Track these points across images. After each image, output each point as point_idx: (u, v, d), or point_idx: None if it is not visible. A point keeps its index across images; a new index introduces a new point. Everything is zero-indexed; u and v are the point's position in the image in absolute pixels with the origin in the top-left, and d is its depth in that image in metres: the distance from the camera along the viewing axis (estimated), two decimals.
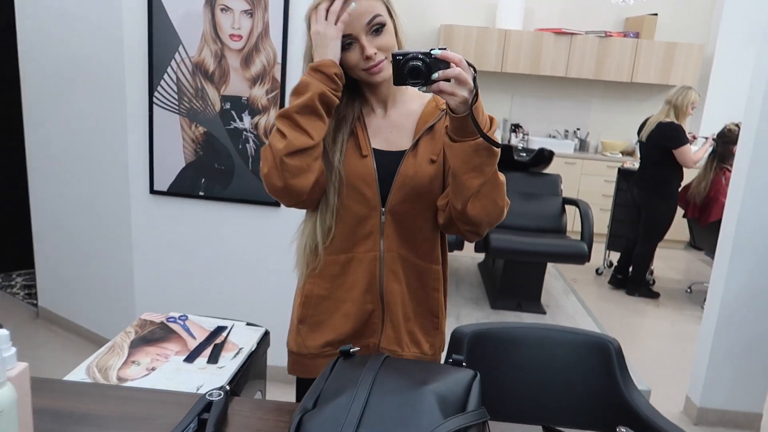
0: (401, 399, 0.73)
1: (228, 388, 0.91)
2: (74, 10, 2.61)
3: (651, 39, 5.48)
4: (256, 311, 2.53)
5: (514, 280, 3.46)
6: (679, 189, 4.07)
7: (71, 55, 2.69)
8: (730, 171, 3.99)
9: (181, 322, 1.41)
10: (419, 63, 0.97)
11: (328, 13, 1.09)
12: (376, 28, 1.10)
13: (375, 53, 1.09)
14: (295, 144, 1.08)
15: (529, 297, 3.48)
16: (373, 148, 1.18)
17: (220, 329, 1.40)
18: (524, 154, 3.97)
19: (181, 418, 0.83)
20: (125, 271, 2.70)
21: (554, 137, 5.95)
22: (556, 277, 4.15)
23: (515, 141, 5.82)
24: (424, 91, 1.00)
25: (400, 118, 1.21)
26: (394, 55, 0.99)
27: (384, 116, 1.21)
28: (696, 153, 3.91)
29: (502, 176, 1.08)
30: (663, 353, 3.46)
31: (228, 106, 2.45)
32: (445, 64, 0.96)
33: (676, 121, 3.86)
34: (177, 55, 2.42)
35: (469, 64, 0.97)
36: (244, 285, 2.62)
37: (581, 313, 3.52)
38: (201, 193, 2.54)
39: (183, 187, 2.55)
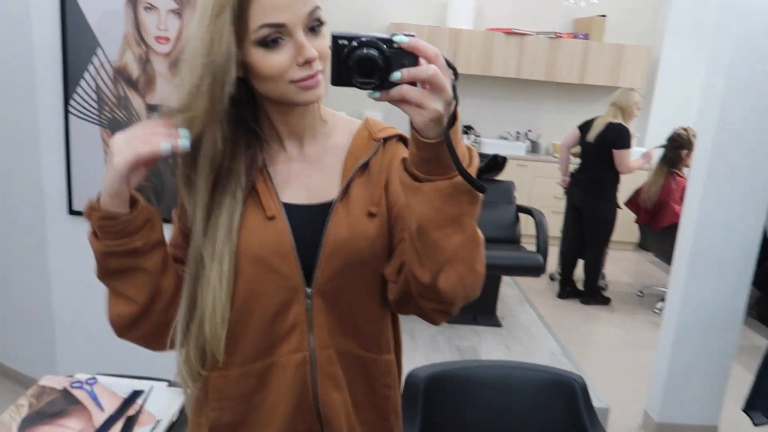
0: None
1: None
2: None
3: (600, 40, 5.48)
4: None
5: None
6: (617, 192, 4.03)
7: None
8: (680, 176, 3.99)
9: (89, 388, 1.19)
10: (374, 52, 0.64)
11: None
12: (315, 26, 0.76)
13: (315, 58, 0.75)
14: (123, 317, 0.83)
15: (485, 310, 3.37)
16: (285, 203, 0.85)
17: (135, 395, 1.18)
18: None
19: None
20: (43, 300, 2.41)
21: (506, 139, 5.88)
22: (510, 286, 4.06)
23: (466, 143, 5.71)
24: (376, 98, 0.66)
25: (321, 156, 0.88)
26: (335, 38, 0.65)
27: (299, 155, 0.87)
28: (635, 163, 3.90)
29: (479, 232, 0.75)
30: (619, 363, 3.42)
31: (155, 115, 2.21)
32: (412, 58, 0.64)
33: (624, 123, 3.85)
34: (95, 59, 2.16)
35: (449, 64, 0.65)
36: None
37: (537, 325, 3.43)
38: None
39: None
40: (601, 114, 4.03)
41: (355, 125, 0.91)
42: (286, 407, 0.86)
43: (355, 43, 0.64)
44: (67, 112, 2.20)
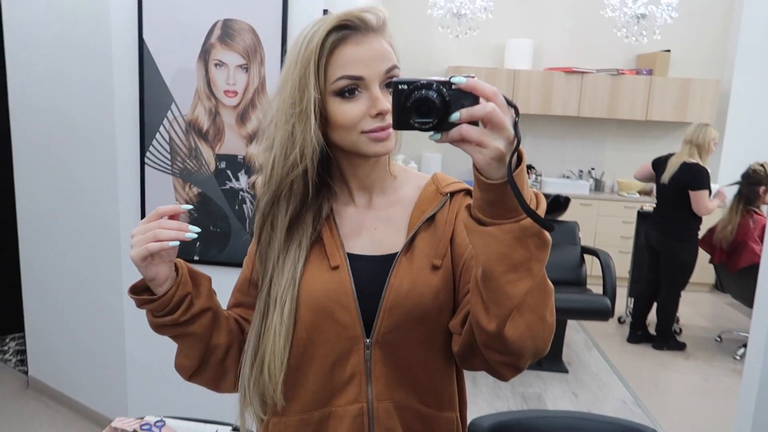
0: None
1: None
2: (65, 69, 2.51)
3: (665, 76, 5.35)
4: None
5: None
6: (699, 233, 3.85)
7: (62, 115, 2.58)
8: (757, 213, 3.78)
9: (156, 430, 1.23)
10: (433, 94, 0.64)
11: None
12: (391, 83, 0.76)
13: (388, 108, 0.77)
14: (183, 373, 0.91)
15: (550, 355, 3.26)
16: (350, 254, 0.86)
17: None
18: None
19: None
20: (116, 340, 2.53)
21: (568, 177, 5.78)
22: (576, 330, 3.92)
23: (528, 183, 5.65)
24: (437, 140, 0.65)
25: (389, 210, 0.89)
26: (395, 83, 0.66)
27: (367, 207, 0.89)
28: (713, 204, 3.71)
29: (549, 282, 0.72)
30: (697, 414, 3.20)
31: (223, 165, 2.32)
32: (471, 99, 0.64)
33: (700, 162, 3.68)
34: (169, 114, 2.30)
35: (509, 102, 0.64)
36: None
37: (606, 371, 3.29)
38: (196, 258, 2.39)
39: (177, 252, 2.39)
40: (675, 151, 3.89)
41: (423, 180, 0.92)
42: None
43: (415, 85, 0.65)
44: (143, 163, 2.34)
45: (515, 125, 0.64)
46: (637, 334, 4.07)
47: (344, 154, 0.86)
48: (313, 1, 2.22)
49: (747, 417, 2.46)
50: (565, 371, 3.22)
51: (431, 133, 0.65)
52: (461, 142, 0.64)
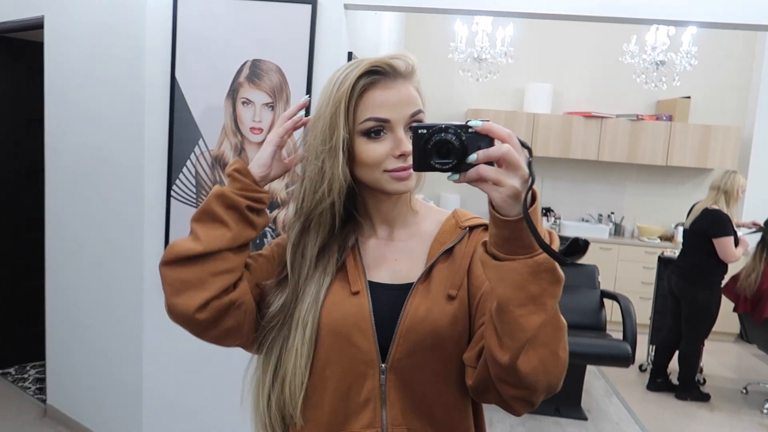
0: None
1: None
2: (99, 107, 2.60)
3: (685, 122, 5.36)
4: None
5: None
6: (723, 280, 3.78)
7: (94, 150, 2.66)
8: None
9: None
10: (451, 137, 0.68)
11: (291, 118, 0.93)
12: (414, 123, 0.81)
13: (410, 150, 0.79)
14: (176, 250, 0.86)
15: (569, 401, 3.19)
16: (370, 281, 0.90)
17: None
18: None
19: None
20: (135, 372, 2.54)
21: (587, 221, 5.75)
22: (596, 376, 3.84)
23: (546, 226, 5.64)
24: (455, 181, 0.69)
25: (409, 242, 0.94)
26: (415, 128, 0.71)
27: (388, 239, 0.94)
28: (739, 251, 3.64)
29: (562, 317, 0.75)
30: None
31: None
32: (487, 141, 0.68)
33: (725, 209, 3.65)
34: (197, 149, 2.37)
35: (523, 144, 0.69)
36: None
37: (626, 420, 3.20)
38: None
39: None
40: (694, 197, 3.87)
41: (443, 215, 0.97)
42: None
43: (434, 129, 0.70)
44: (169, 196, 2.40)
45: (529, 165, 0.68)
46: (657, 382, 3.97)
47: (368, 189, 0.91)
48: (338, 44, 2.30)
49: None
50: (584, 419, 3.14)
51: (450, 173, 0.70)
52: (478, 181, 0.68)
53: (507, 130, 0.68)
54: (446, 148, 0.69)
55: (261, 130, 2.33)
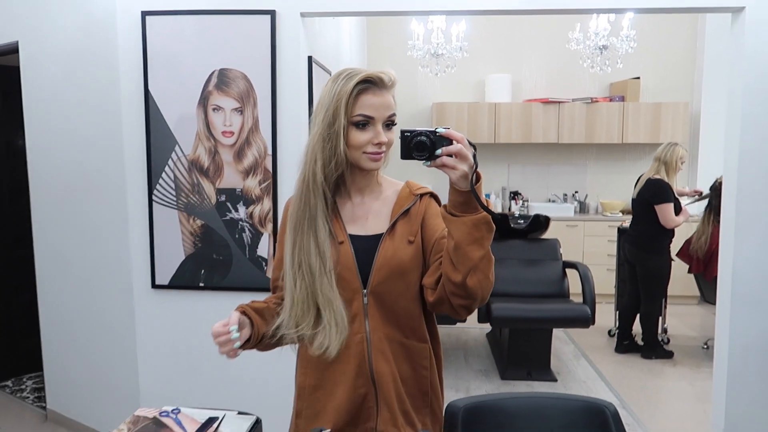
0: None
1: None
2: (78, 125, 2.77)
3: (636, 101, 5.66)
4: (257, 399, 2.53)
5: (522, 349, 3.43)
6: (671, 244, 4.06)
7: (76, 166, 2.82)
8: None
9: (174, 416, 1.43)
10: (425, 139, 1.06)
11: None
12: (389, 124, 1.22)
13: (385, 140, 1.19)
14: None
15: (539, 365, 3.43)
16: (350, 234, 1.25)
17: (211, 420, 1.41)
18: (521, 221, 4.03)
19: None
20: (130, 367, 2.72)
21: (554, 201, 6.03)
22: (565, 342, 4.10)
23: (515, 208, 5.90)
24: (428, 166, 1.07)
25: (376, 205, 1.29)
26: (402, 132, 1.09)
27: (360, 203, 1.28)
28: (678, 218, 3.92)
29: (492, 255, 1.13)
30: (684, 416, 3.36)
31: (223, 198, 2.56)
32: (448, 141, 1.05)
33: (665, 178, 3.92)
34: (173, 155, 2.56)
35: (471, 143, 1.06)
36: (244, 373, 2.63)
37: (593, 378, 3.46)
38: (201, 284, 2.61)
39: (183, 280, 2.62)
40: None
41: (399, 185, 1.33)
42: (350, 374, 1.23)
43: (414, 133, 1.07)
44: (150, 200, 2.59)
45: (474, 156, 1.05)
46: (624, 345, 4.24)
47: (350, 165, 1.23)
48: (297, 50, 2.51)
49: (719, 415, 2.63)
50: (554, 380, 3.38)
51: (424, 162, 1.07)
52: (442, 167, 1.05)
53: (460, 134, 1.05)
54: (422, 146, 1.06)
55: (232, 133, 2.53)
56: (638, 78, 5.69)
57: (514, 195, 5.99)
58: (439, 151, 1.05)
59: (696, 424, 3.21)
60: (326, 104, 1.19)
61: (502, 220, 3.88)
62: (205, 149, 2.54)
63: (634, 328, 4.31)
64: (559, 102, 5.62)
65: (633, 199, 4.11)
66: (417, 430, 1.27)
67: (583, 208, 5.97)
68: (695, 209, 4.78)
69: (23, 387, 3.65)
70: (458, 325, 4.30)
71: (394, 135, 1.20)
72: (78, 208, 2.86)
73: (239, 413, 1.47)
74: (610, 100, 5.65)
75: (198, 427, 1.38)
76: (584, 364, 3.69)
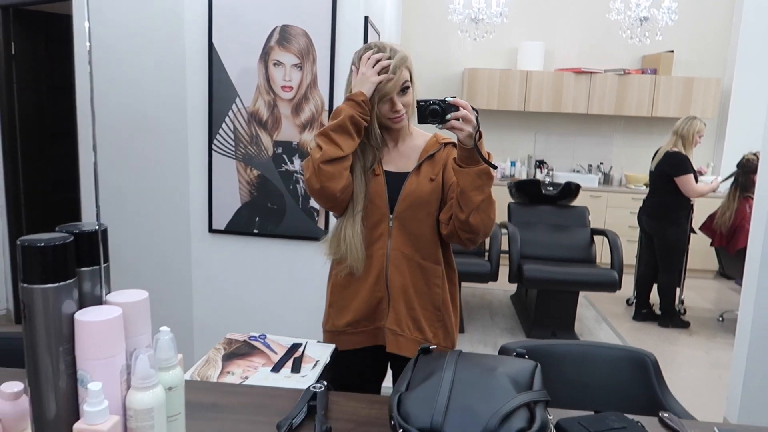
0: (481, 378, 0.90)
1: (326, 383, 1.08)
2: (142, 72, 2.88)
3: (668, 75, 5.68)
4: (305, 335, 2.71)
5: (548, 310, 3.58)
6: (688, 216, 4.16)
7: (138, 112, 2.94)
8: (753, 199, 4.10)
9: (261, 340, 1.60)
10: (437, 107, 1.32)
11: (377, 62, 1.45)
12: (404, 89, 1.48)
13: (401, 108, 1.47)
14: (329, 154, 1.43)
15: (563, 326, 3.59)
16: (385, 170, 1.54)
17: (295, 346, 1.57)
18: (551, 188, 4.14)
19: (289, 407, 1.01)
20: (185, 305, 2.90)
21: (578, 172, 6.11)
22: (587, 307, 4.25)
23: (540, 176, 5.99)
24: (439, 128, 1.33)
25: (407, 150, 1.58)
26: (418, 102, 1.35)
27: (395, 148, 1.58)
28: (702, 187, 4.00)
29: (493, 196, 1.43)
30: (698, 381, 3.52)
31: (280, 150, 2.69)
32: (455, 108, 1.31)
33: (683, 151, 3.99)
34: (234, 106, 2.68)
35: (474, 109, 1.32)
36: (294, 311, 2.80)
37: (614, 341, 3.61)
38: (255, 231, 2.76)
39: (239, 226, 2.77)
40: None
41: (428, 136, 1.61)
42: (371, 281, 1.54)
43: (428, 103, 1.34)
44: (210, 149, 2.72)
45: (477, 119, 1.31)
46: (642, 313, 4.39)
47: (383, 126, 1.54)
48: (356, 11, 2.59)
49: (738, 382, 2.78)
50: (578, 341, 3.55)
51: (437, 125, 1.34)
52: (451, 128, 1.32)
53: (465, 102, 1.31)
54: (435, 113, 1.32)
55: (291, 88, 2.63)
56: (672, 51, 5.69)
57: (540, 164, 6.07)
58: (448, 116, 1.30)
59: (711, 389, 3.37)
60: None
61: (531, 183, 4.01)
62: (265, 102, 2.66)
63: (651, 297, 4.46)
64: (591, 72, 5.65)
65: (651, 172, 4.19)
66: (425, 336, 1.55)
67: (607, 179, 6.05)
68: (723, 187, 4.85)
69: None
70: (483, 286, 4.46)
71: (411, 96, 1.48)
72: (137, 151, 3.00)
73: (318, 342, 1.63)
74: (642, 73, 5.66)
75: (286, 351, 1.54)
76: (605, 328, 3.85)
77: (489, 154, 1.37)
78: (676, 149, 4.02)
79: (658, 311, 4.40)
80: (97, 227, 0.78)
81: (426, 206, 1.50)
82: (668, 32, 5.45)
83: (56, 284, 0.73)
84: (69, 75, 3.20)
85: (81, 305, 0.77)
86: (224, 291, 2.84)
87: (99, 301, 0.81)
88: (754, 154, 4.03)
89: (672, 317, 4.31)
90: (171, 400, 0.80)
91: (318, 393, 1.04)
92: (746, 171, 4.06)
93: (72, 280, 0.75)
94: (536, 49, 5.76)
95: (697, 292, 5.26)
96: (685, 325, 4.33)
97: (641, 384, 1.77)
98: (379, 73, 1.44)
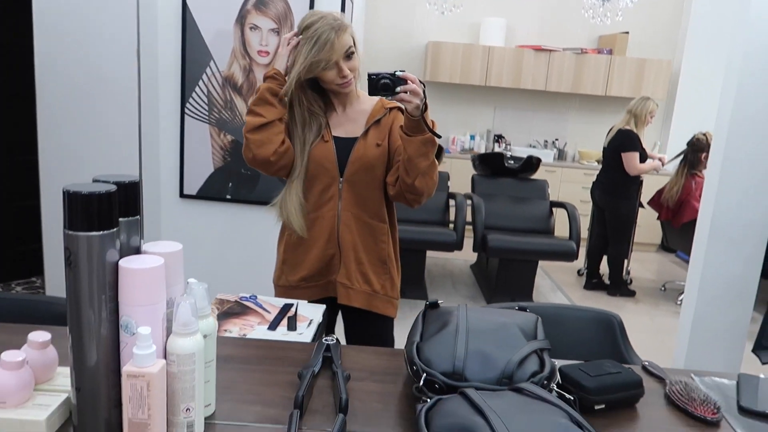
0: (494, 327, 0.97)
1: (336, 338, 1.13)
2: (109, 32, 2.78)
3: (623, 56, 5.88)
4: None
5: (509, 278, 3.73)
6: (638, 191, 4.37)
7: (108, 75, 2.83)
8: (699, 176, 4.35)
9: (253, 301, 1.62)
10: (388, 80, 1.40)
11: (287, 42, 1.56)
12: (349, 55, 1.54)
13: (348, 73, 1.54)
14: (253, 123, 1.54)
15: (523, 293, 3.75)
16: (334, 136, 1.62)
17: (287, 306, 1.61)
18: (512, 161, 4.26)
19: (303, 359, 1.05)
20: None
21: (534, 147, 6.29)
22: (543, 276, 4.44)
23: (499, 150, 6.13)
24: (389, 99, 1.45)
25: (355, 114, 1.65)
26: (369, 75, 1.42)
27: (343, 113, 1.65)
28: (643, 165, 4.19)
29: (437, 163, 1.55)
30: (644, 345, 3.76)
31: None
32: (404, 81, 1.40)
33: (634, 130, 4.19)
34: (208, 70, 2.63)
35: (421, 82, 1.42)
36: (268, 277, 2.81)
37: None
38: (228, 197, 2.74)
39: (211, 191, 2.75)
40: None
41: (374, 101, 1.68)
42: (323, 239, 1.65)
43: (379, 76, 1.41)
44: (183, 113, 2.67)
45: (424, 92, 1.40)
46: (592, 282, 4.63)
47: (331, 90, 1.62)
48: None
49: (683, 347, 2.99)
50: (552, 303, 3.72)
51: (388, 97, 1.41)
52: (401, 100, 1.41)
53: (413, 76, 1.40)
54: (386, 86, 1.40)
55: (267, 53, 2.61)
56: (627, 33, 5.88)
57: (498, 138, 6.21)
58: (398, 89, 1.38)
59: (656, 353, 3.61)
60: (304, 54, 1.53)
61: (494, 156, 4.12)
62: (240, 67, 2.62)
63: (601, 268, 4.69)
64: (551, 50, 5.78)
65: (604, 148, 4.38)
66: (373, 288, 1.69)
67: (561, 155, 6.26)
68: (671, 167, 5.11)
69: (13, 294, 3.73)
70: (445, 256, 4.58)
71: (356, 62, 1.55)
72: (104, 115, 2.90)
73: (309, 302, 1.67)
74: (599, 53, 5.84)
75: (278, 310, 1.58)
76: (560, 296, 4.04)
77: (433, 123, 1.47)
78: (628, 127, 4.21)
79: (607, 281, 4.64)
80: (138, 179, 0.80)
81: (373, 170, 1.60)
82: (625, 14, 5.63)
83: (101, 232, 0.75)
84: (27, 31, 3.05)
85: (121, 255, 0.79)
86: (196, 257, 2.83)
87: (136, 251, 0.83)
88: (704, 134, 4.26)
89: (620, 287, 4.56)
90: (207, 346, 0.83)
91: (331, 345, 1.08)
92: (695, 150, 4.29)
93: (115, 230, 0.77)
94: (498, 24, 5.84)
95: (641, 264, 5.56)
96: (632, 294, 4.59)
97: (608, 342, 1.90)
98: (301, 46, 1.52)
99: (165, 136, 2.71)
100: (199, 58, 2.62)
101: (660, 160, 4.44)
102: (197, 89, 2.65)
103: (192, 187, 2.75)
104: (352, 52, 1.54)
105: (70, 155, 3.09)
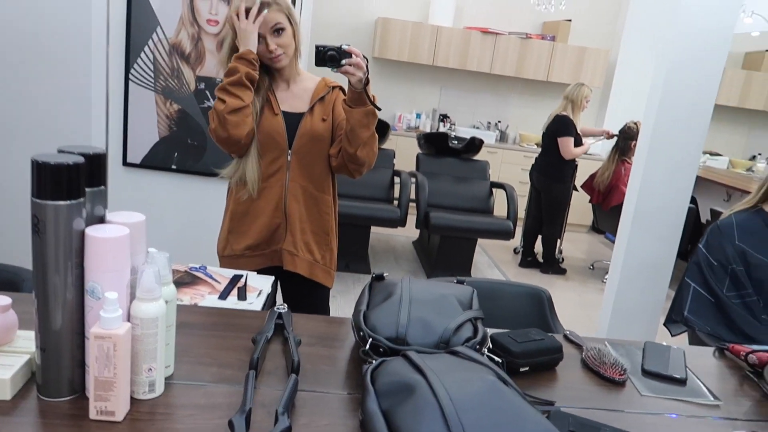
0: (434, 297, 1.07)
1: (287, 306, 1.20)
2: None
3: (565, 43, 6.09)
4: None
5: (449, 255, 3.87)
6: (574, 175, 4.63)
7: (48, 37, 2.74)
8: (629, 163, 4.62)
9: (203, 271, 1.66)
10: (334, 53, 1.48)
11: (248, 14, 1.56)
12: (277, 31, 1.61)
13: (275, 48, 1.61)
14: (233, 105, 1.60)
15: (462, 269, 3.91)
16: (282, 111, 1.71)
17: (237, 276, 1.66)
18: (456, 142, 4.39)
19: (256, 326, 1.12)
20: None
21: (478, 128, 6.45)
22: (481, 254, 4.62)
23: (443, 130, 6.26)
24: (334, 71, 1.49)
25: (299, 92, 1.75)
26: (317, 47, 1.49)
27: (287, 90, 1.74)
28: (575, 150, 4.42)
29: (376, 134, 1.67)
30: (572, 319, 4.01)
31: (202, 86, 2.65)
32: (349, 55, 1.47)
33: (571, 115, 4.40)
34: (155, 36, 2.58)
35: (365, 57, 1.51)
36: (212, 247, 2.83)
37: None
38: (173, 167, 2.72)
39: (156, 161, 2.72)
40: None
41: (317, 79, 1.79)
42: (270, 209, 1.73)
43: (326, 48, 1.48)
44: (127, 79, 2.62)
45: (367, 66, 1.49)
46: (527, 260, 4.86)
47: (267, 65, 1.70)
48: None
49: (605, 320, 3.23)
50: (487, 278, 3.89)
51: (333, 69, 1.48)
52: (345, 73, 1.49)
53: (358, 50, 1.48)
54: (332, 58, 1.47)
55: (217, 22, 2.58)
56: (570, 20, 6.09)
57: (443, 117, 6.33)
58: (343, 62, 1.46)
59: (581, 326, 3.87)
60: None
61: (438, 136, 4.23)
62: (188, 35, 2.59)
63: (536, 247, 4.93)
64: (497, 33, 5.92)
65: (543, 133, 4.58)
66: (315, 257, 1.79)
67: (503, 137, 6.46)
68: (598, 148, 5.38)
69: None
70: (388, 232, 4.68)
71: (287, 39, 1.61)
72: (43, 78, 2.80)
73: (257, 273, 1.72)
74: (542, 38, 6.03)
75: (228, 281, 1.62)
76: (497, 273, 4.23)
77: (374, 96, 1.57)
78: (564, 113, 4.40)
79: (540, 259, 4.88)
80: (105, 152, 0.83)
81: (320, 142, 1.70)
82: (569, 2, 5.82)
83: (68, 202, 0.78)
84: None
85: (87, 223, 0.82)
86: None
87: (100, 221, 0.87)
88: (635, 123, 4.51)
89: (552, 265, 4.81)
90: (167, 311, 0.88)
91: (283, 313, 1.15)
92: (626, 137, 4.54)
93: (82, 199, 0.80)
94: (447, 4, 5.91)
95: (572, 244, 5.87)
96: (563, 272, 4.86)
97: (537, 315, 2.06)
98: (248, 17, 1.56)
99: (110, 102, 2.65)
100: (144, 23, 2.56)
101: (605, 132, 4.67)
102: (143, 55, 2.60)
103: (136, 155, 2.72)
104: (281, 29, 1.60)
105: (7, 121, 2.97)
